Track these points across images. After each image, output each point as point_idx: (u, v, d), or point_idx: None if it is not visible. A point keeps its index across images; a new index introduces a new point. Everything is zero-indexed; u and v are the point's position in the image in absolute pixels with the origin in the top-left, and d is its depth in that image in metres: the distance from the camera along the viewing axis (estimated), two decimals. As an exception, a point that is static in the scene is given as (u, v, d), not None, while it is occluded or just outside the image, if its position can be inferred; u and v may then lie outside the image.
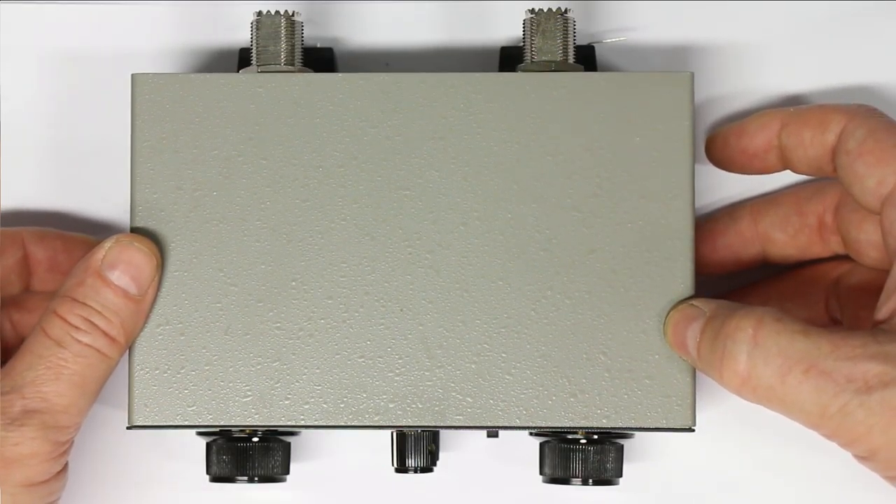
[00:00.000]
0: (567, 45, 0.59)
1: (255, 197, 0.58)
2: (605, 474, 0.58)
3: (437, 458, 0.60)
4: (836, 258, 0.61)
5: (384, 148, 0.58)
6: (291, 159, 0.58)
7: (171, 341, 0.57)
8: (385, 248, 0.58)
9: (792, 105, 0.62)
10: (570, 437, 0.58)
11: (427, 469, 0.59)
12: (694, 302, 0.57)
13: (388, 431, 0.59)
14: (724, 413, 0.62)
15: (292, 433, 0.60)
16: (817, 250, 0.61)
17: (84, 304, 0.56)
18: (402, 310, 0.57)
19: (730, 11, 0.64)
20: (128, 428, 0.58)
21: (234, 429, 0.58)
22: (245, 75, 0.59)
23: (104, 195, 0.64)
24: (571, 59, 0.59)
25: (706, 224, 0.62)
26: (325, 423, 0.57)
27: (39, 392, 0.56)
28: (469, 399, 0.57)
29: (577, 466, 0.58)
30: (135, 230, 0.58)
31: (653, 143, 0.58)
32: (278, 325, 0.58)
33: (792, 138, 0.59)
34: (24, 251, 0.61)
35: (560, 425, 0.57)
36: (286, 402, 0.57)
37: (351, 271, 0.58)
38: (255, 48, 0.59)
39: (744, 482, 0.63)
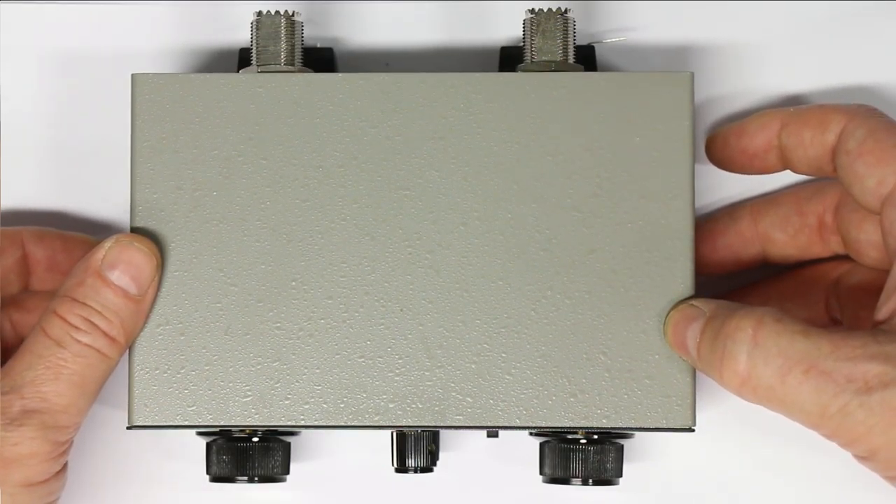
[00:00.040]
0: (567, 45, 0.59)
1: (255, 197, 0.58)
2: (605, 474, 0.58)
3: (437, 458, 0.59)
4: (836, 258, 0.61)
5: (384, 148, 0.58)
6: (291, 159, 0.58)
7: (171, 341, 0.57)
8: (385, 248, 0.58)
9: (792, 105, 0.62)
10: (570, 437, 0.58)
11: (427, 469, 0.59)
12: (694, 302, 0.57)
13: (388, 431, 0.59)
14: (724, 413, 0.62)
15: (292, 433, 0.60)
16: (817, 250, 0.61)
17: (84, 303, 0.56)
18: (402, 310, 0.57)
19: (730, 11, 0.64)
20: (128, 428, 0.58)
21: (234, 429, 0.58)
22: (245, 75, 0.59)
23: (104, 195, 0.63)
24: (571, 59, 0.59)
25: (706, 224, 0.62)
26: (325, 423, 0.57)
27: (39, 392, 0.55)
28: (469, 399, 0.57)
29: (577, 466, 0.58)
30: (135, 230, 0.58)
31: (653, 143, 0.58)
32: (278, 325, 0.57)
33: (792, 138, 0.59)
34: (24, 251, 0.61)
35: (560, 425, 0.57)
36: (286, 402, 0.57)
37: (351, 271, 0.58)
38: (255, 48, 0.59)
39: (744, 482, 0.63)
